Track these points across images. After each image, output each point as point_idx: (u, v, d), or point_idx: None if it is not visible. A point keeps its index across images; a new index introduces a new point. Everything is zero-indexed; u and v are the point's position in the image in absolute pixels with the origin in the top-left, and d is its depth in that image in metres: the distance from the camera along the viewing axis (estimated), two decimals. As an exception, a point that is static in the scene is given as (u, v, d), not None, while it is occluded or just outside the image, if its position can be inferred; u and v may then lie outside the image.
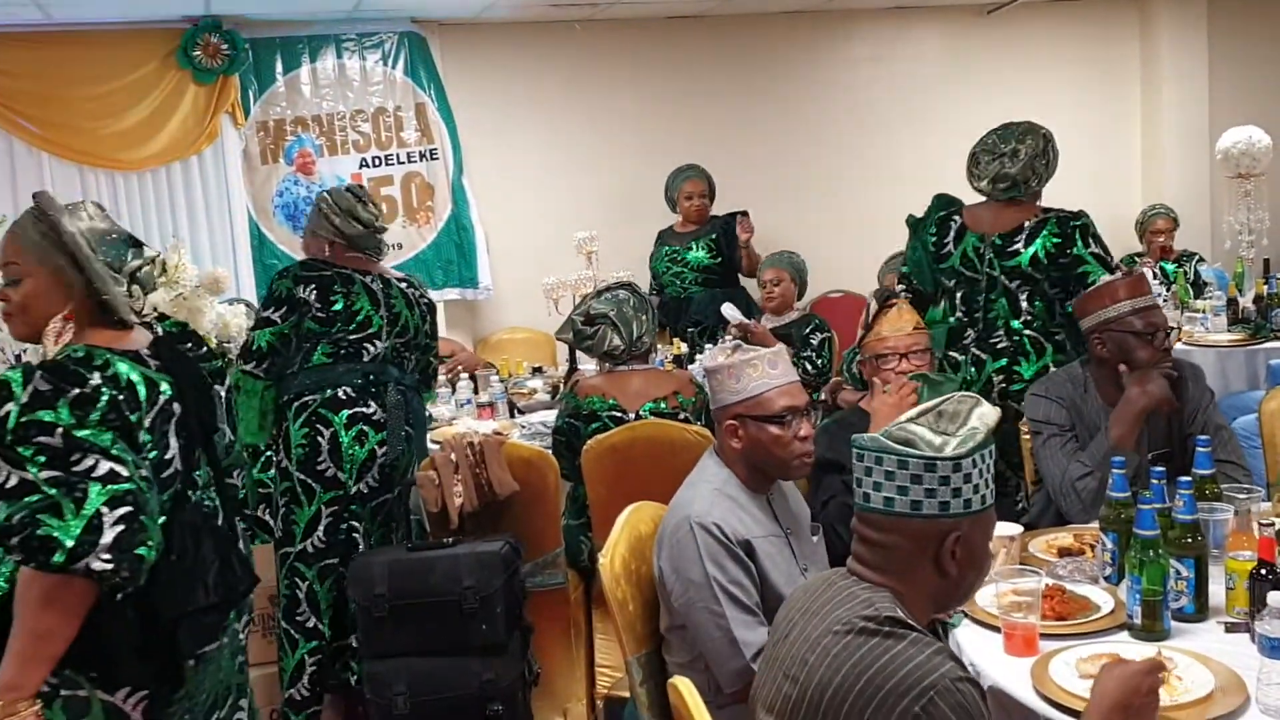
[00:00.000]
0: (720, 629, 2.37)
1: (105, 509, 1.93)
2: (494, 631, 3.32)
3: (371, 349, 3.82)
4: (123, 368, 2.08)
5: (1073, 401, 3.25)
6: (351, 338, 3.80)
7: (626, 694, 2.79)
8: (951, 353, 3.85)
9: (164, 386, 2.14)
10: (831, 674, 1.71)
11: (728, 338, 5.15)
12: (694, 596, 2.40)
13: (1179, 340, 5.35)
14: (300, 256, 3.97)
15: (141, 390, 2.09)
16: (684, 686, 1.93)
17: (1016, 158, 3.80)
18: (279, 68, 6.41)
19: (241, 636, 2.43)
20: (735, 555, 2.41)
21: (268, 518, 3.78)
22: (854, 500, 1.87)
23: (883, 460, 1.80)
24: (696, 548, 2.40)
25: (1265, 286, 5.72)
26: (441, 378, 5.05)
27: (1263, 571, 2.27)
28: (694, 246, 6.13)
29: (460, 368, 5.17)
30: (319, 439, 3.73)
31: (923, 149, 7.38)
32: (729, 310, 5.26)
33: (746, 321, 5.19)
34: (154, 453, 2.10)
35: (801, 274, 5.40)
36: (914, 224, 4.02)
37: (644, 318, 3.90)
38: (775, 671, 1.83)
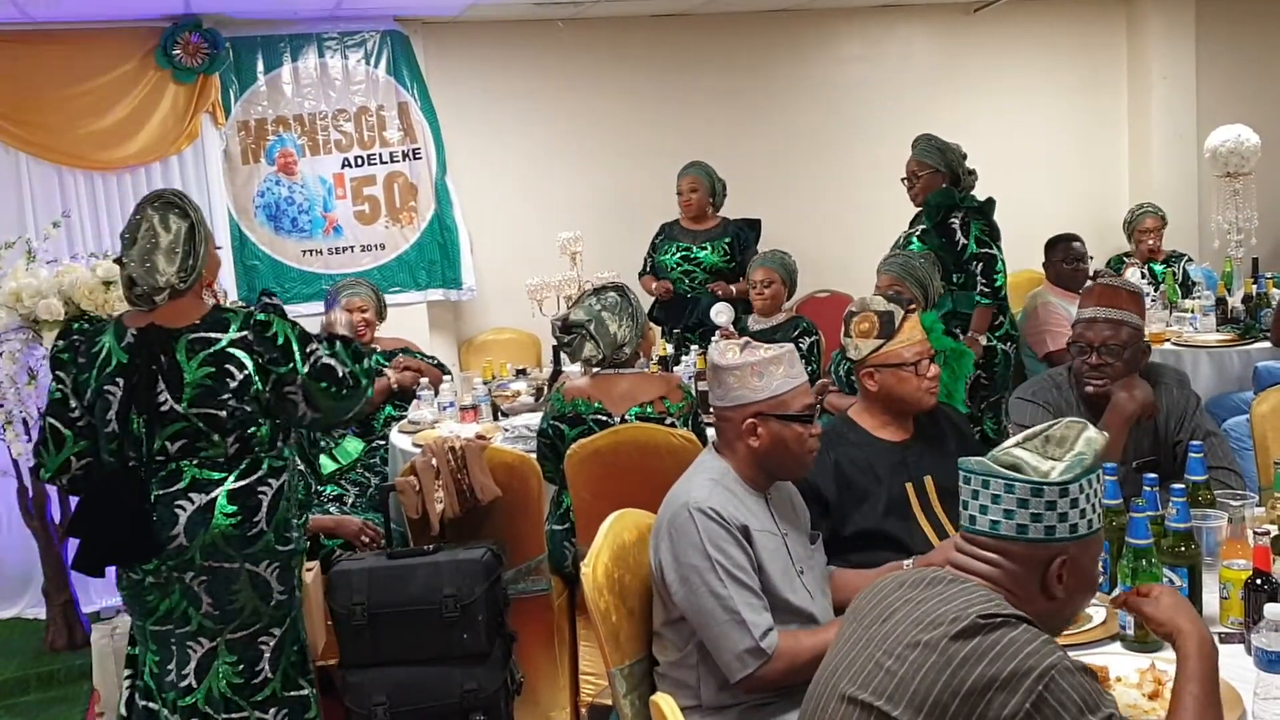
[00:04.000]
0: (727, 611, 2.34)
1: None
2: (476, 640, 3.28)
3: None
4: (107, 339, 2.86)
5: (1057, 406, 3.23)
6: None
7: (610, 702, 2.74)
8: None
9: (114, 362, 2.83)
10: (952, 655, 1.65)
11: (717, 337, 5.11)
12: (697, 582, 2.36)
13: (1165, 341, 5.34)
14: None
15: (110, 357, 2.84)
16: (665, 705, 1.88)
17: None
18: (260, 67, 6.34)
19: (199, 590, 2.86)
20: (735, 539, 2.39)
21: None
22: (960, 521, 1.86)
23: (989, 483, 1.79)
24: (697, 532, 2.38)
25: (1254, 286, 5.70)
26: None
27: (1258, 581, 2.23)
28: (708, 248, 6.07)
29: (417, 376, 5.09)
30: None
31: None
32: (719, 313, 5.22)
33: (733, 331, 5.14)
34: (96, 404, 2.83)
35: (792, 275, 5.35)
36: (987, 206, 5.10)
37: (628, 324, 3.83)
38: (873, 650, 1.76)
